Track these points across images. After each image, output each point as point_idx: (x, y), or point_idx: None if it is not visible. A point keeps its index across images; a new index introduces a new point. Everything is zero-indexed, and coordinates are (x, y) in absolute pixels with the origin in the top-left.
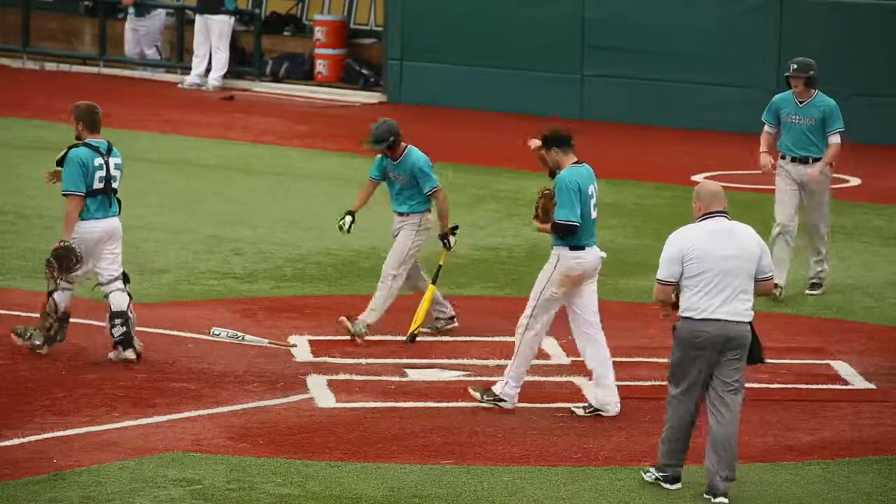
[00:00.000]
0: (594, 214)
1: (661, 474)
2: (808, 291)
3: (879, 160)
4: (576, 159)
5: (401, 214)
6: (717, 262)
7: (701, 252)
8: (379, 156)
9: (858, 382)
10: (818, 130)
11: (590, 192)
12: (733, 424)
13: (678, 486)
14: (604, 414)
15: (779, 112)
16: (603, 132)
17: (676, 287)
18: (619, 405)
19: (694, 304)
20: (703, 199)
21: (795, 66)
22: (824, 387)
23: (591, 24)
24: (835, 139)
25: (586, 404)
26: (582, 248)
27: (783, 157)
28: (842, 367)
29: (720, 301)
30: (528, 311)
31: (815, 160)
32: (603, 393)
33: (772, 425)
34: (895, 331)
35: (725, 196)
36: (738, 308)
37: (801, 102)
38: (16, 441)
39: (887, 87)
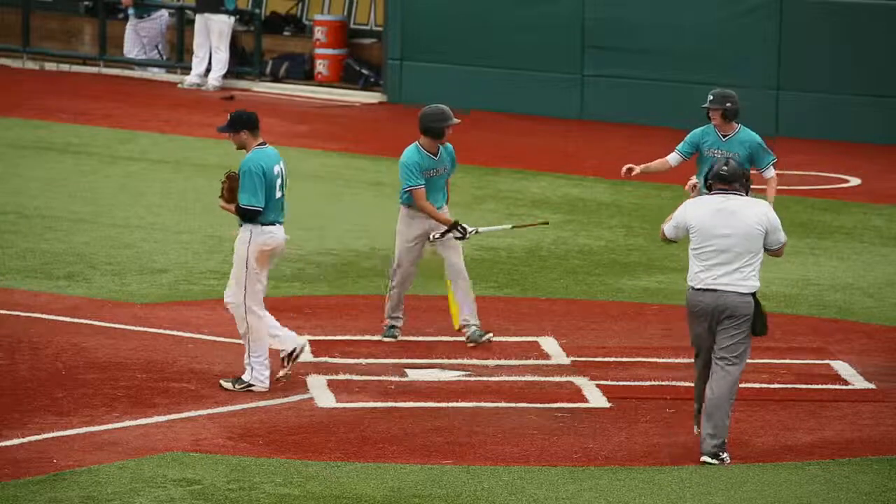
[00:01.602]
0: (279, 194)
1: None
2: None
3: (879, 160)
4: (261, 140)
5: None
6: (717, 239)
7: (703, 227)
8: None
9: (858, 382)
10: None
11: (276, 172)
12: (724, 394)
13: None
14: (255, 390)
15: (699, 144)
16: (603, 132)
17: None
18: (268, 382)
19: (696, 275)
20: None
21: (712, 98)
22: (824, 387)
23: (591, 24)
24: (770, 173)
25: (235, 378)
26: (272, 224)
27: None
28: (842, 367)
29: (719, 273)
30: (239, 297)
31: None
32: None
33: (772, 425)
34: (895, 331)
35: (742, 175)
36: (737, 279)
37: (723, 136)
38: (16, 441)
39: (888, 87)
